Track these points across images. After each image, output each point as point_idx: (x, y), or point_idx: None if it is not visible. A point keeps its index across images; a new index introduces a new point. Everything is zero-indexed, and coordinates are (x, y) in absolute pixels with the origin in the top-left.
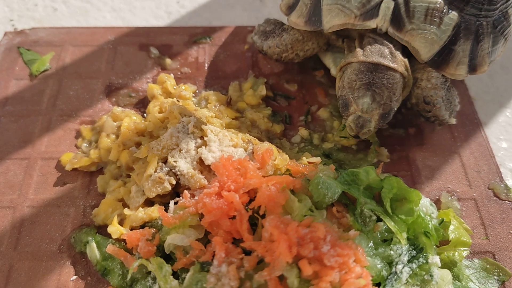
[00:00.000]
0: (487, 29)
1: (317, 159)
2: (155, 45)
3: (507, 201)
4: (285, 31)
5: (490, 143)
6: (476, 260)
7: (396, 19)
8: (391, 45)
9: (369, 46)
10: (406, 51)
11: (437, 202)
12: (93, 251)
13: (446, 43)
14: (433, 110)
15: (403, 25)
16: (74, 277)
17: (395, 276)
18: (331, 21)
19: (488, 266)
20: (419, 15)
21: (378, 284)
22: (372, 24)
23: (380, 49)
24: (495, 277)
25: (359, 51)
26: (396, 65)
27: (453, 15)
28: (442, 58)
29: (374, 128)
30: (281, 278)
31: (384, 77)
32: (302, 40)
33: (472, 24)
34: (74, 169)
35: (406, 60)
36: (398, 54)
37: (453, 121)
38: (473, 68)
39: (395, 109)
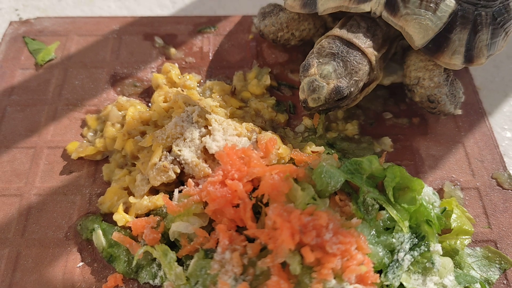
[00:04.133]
0: (486, 20)
1: (321, 149)
2: (160, 35)
3: (510, 191)
4: (282, 11)
5: (494, 133)
6: (478, 249)
7: (391, 3)
8: (369, 35)
9: (349, 27)
10: (400, 45)
11: (440, 191)
12: (99, 238)
13: (441, 30)
14: (438, 106)
15: (398, 9)
16: (81, 263)
17: (397, 264)
18: (325, 4)
19: (490, 254)
20: (414, 0)
21: (380, 272)
22: (366, 7)
23: (358, 31)
24: (497, 265)
25: (337, 28)
26: (366, 49)
27: (450, 2)
28: (436, 46)
29: (323, 98)
30: (284, 265)
31: (352, 55)
32: (298, 20)
33: (470, 13)
34: (80, 158)
35: (377, 54)
36: (371, 44)
37: (458, 112)
38: (469, 59)
39: (350, 92)
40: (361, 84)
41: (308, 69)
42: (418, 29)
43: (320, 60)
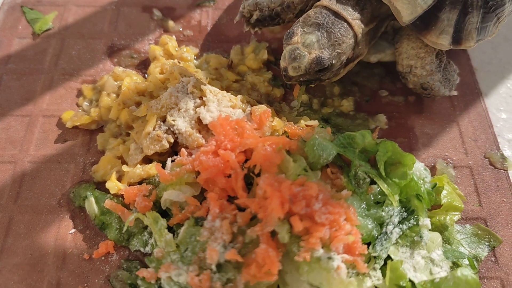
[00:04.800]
0: (477, 3)
1: (315, 123)
2: (158, 7)
3: (502, 170)
4: None
5: (490, 114)
6: (468, 226)
7: None
8: (358, 8)
9: None
10: (391, 25)
11: (432, 169)
12: (92, 205)
13: (430, 8)
14: (432, 92)
15: None
16: (73, 230)
17: (385, 236)
18: None
19: (479, 232)
20: None
21: (369, 244)
22: None
23: (347, 3)
24: (486, 243)
25: None
26: (353, 22)
27: None
28: (424, 24)
29: (304, 67)
30: (273, 234)
31: (337, 26)
32: None
33: None
34: (75, 127)
35: (364, 28)
36: (358, 17)
37: (454, 93)
38: (457, 41)
39: (332, 65)
40: (343, 57)
41: (291, 37)
42: (406, 4)
43: (305, 29)
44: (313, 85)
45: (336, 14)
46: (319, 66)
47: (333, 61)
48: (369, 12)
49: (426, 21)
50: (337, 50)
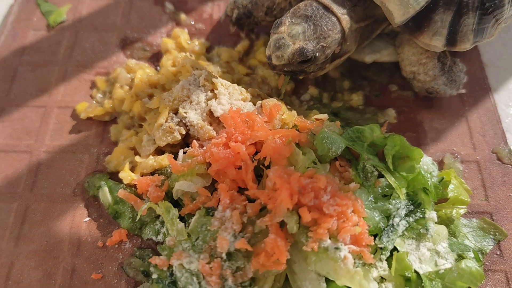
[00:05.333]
0: (473, 4)
1: (324, 116)
2: (171, 0)
3: (509, 165)
4: None
5: (498, 109)
6: (474, 220)
7: None
8: (350, 4)
9: None
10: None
11: (440, 163)
12: (105, 195)
13: (423, 9)
14: (438, 95)
15: None
16: (87, 218)
17: (392, 228)
18: None
19: (485, 225)
20: None
21: (375, 236)
22: None
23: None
24: (491, 236)
25: None
26: (341, 17)
27: None
28: (417, 25)
29: (287, 57)
30: (282, 225)
31: (325, 20)
32: None
33: None
34: (89, 118)
35: (354, 24)
36: (348, 13)
37: (461, 91)
38: (451, 43)
39: (315, 57)
40: (328, 51)
41: (278, 27)
42: (398, 5)
43: (293, 20)
44: (300, 77)
45: (326, 8)
46: (302, 57)
47: (317, 54)
48: (361, 10)
49: (419, 23)
50: (322, 43)
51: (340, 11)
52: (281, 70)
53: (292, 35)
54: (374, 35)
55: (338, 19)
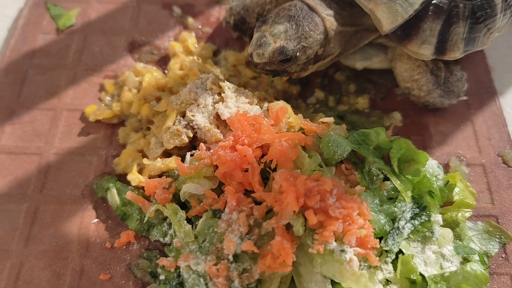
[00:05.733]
0: (463, 13)
1: (330, 119)
2: (178, 4)
3: None
4: None
5: (504, 112)
6: (479, 223)
7: None
8: (336, 6)
9: None
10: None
11: (446, 167)
12: (114, 197)
13: (411, 17)
14: (436, 106)
15: None
16: (96, 220)
17: (397, 231)
18: None
19: (490, 228)
20: None
21: (381, 239)
22: None
23: (325, 1)
24: (497, 240)
25: None
26: (325, 17)
27: None
28: (405, 33)
29: (267, 55)
30: (288, 227)
31: (307, 20)
32: None
33: (445, 3)
34: (97, 121)
35: (338, 27)
36: (333, 14)
37: (463, 98)
38: (441, 51)
39: (296, 57)
40: (309, 51)
41: (261, 25)
42: (387, 13)
43: (276, 19)
44: (285, 77)
45: (311, 8)
46: (282, 56)
47: (297, 54)
48: (347, 15)
49: (407, 31)
50: (303, 44)
51: (325, 12)
52: (263, 69)
53: (273, 33)
54: (362, 43)
55: (322, 20)
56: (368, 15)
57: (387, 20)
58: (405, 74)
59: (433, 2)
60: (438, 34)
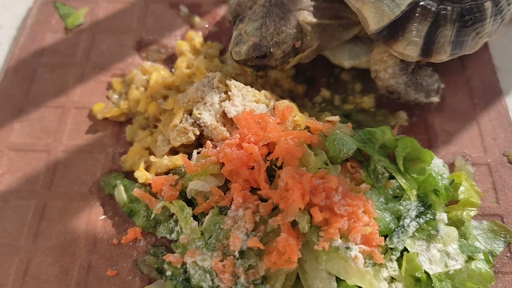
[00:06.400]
0: (451, 16)
1: (336, 118)
2: (185, 4)
3: None
4: None
5: (510, 112)
6: (484, 222)
7: None
8: (313, 2)
9: None
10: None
11: (451, 166)
12: (121, 193)
13: (398, 18)
14: (402, 97)
15: None
16: (103, 216)
17: (402, 229)
18: None
19: (495, 228)
20: None
21: (386, 236)
22: None
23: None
24: (502, 239)
25: None
26: (297, 12)
27: None
28: (391, 34)
29: (244, 53)
30: (294, 224)
31: (279, 16)
32: None
33: (433, 6)
34: (105, 119)
35: (313, 20)
36: (307, 8)
37: (435, 100)
38: (426, 53)
39: (271, 53)
40: (284, 46)
41: (239, 23)
42: (374, 13)
43: (252, 17)
44: (270, 71)
45: (283, 4)
46: (257, 53)
47: (271, 49)
48: (327, 8)
49: (393, 31)
50: (275, 39)
51: (298, 6)
52: (245, 65)
53: (248, 31)
54: (347, 36)
55: (295, 14)
56: (351, 8)
57: (373, 19)
58: (377, 57)
59: (420, 3)
60: (424, 36)
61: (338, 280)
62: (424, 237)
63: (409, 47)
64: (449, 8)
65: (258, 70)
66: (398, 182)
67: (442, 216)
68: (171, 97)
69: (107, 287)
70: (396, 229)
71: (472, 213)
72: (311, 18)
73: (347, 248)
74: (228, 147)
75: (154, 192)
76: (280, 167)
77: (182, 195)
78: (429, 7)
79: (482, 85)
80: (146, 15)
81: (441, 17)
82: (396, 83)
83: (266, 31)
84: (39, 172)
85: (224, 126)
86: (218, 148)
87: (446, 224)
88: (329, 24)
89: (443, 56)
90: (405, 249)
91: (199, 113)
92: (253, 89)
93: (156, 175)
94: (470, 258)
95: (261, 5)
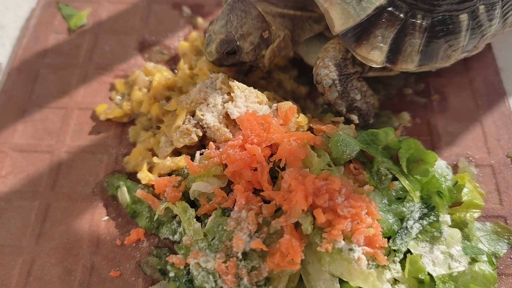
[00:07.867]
0: (420, 25)
1: (340, 119)
2: (188, 4)
3: None
4: None
5: None
6: (488, 224)
7: None
8: None
9: None
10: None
11: (455, 167)
12: (124, 195)
13: (363, 21)
14: (326, 94)
15: None
16: (106, 217)
17: (405, 231)
18: None
19: (499, 229)
20: None
21: (389, 238)
22: None
23: None
24: (505, 240)
25: None
26: (256, 3)
27: None
28: (356, 37)
29: (214, 52)
30: (297, 226)
31: (241, 9)
32: None
33: (401, 12)
34: (108, 120)
35: (276, 9)
36: (271, 2)
37: (354, 118)
38: (392, 60)
39: (239, 47)
40: (251, 38)
41: (209, 26)
42: (340, 14)
43: (220, 17)
44: (253, 70)
45: None
46: (224, 49)
47: (238, 43)
48: (291, 0)
49: (358, 35)
50: (239, 32)
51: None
52: (222, 65)
53: (215, 30)
54: (319, 29)
55: (254, 4)
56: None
57: (339, 21)
58: (325, 46)
59: (388, 9)
60: (391, 43)
61: (341, 281)
62: (428, 239)
63: (373, 52)
64: (419, 16)
65: (240, 69)
66: (402, 184)
67: (446, 217)
68: (174, 98)
69: None
70: (399, 231)
71: (476, 215)
72: (272, 8)
73: (350, 249)
74: (231, 149)
75: (157, 193)
76: (283, 169)
77: (185, 196)
78: (397, 13)
79: (486, 86)
80: (148, 16)
81: (409, 25)
82: (326, 75)
83: (231, 26)
84: (42, 173)
85: (227, 127)
86: (221, 150)
87: (449, 226)
88: (296, 16)
89: (409, 65)
90: (408, 251)
91: (202, 114)
92: (256, 90)
93: (159, 176)
94: (473, 260)
95: (227, 3)
